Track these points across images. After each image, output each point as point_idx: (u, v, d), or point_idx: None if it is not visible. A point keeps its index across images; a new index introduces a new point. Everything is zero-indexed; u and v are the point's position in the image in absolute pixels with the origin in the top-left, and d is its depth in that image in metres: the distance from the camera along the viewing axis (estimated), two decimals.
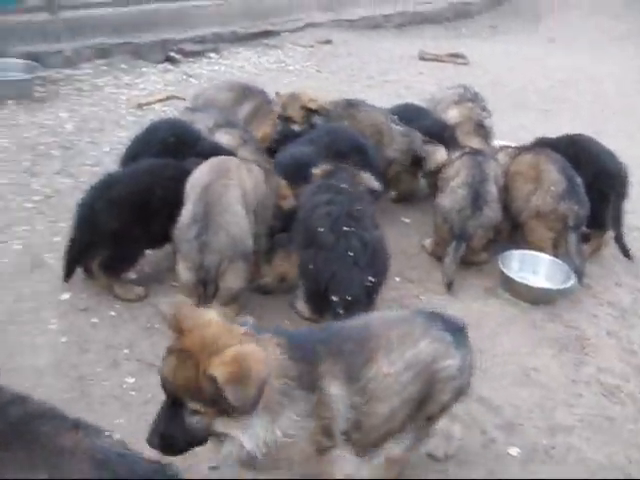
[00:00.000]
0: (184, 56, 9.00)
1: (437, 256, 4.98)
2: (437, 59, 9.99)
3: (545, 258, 4.91)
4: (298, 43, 10.10)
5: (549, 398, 3.86)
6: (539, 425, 3.66)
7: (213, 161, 4.27)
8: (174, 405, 2.35)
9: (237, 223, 3.96)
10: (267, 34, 9.90)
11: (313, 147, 4.84)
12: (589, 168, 5.02)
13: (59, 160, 6.03)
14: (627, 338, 4.46)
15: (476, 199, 4.78)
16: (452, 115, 5.96)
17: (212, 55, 9.26)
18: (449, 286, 4.70)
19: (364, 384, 2.58)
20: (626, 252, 5.20)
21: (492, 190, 4.88)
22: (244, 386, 2.21)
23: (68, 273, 4.32)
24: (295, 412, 2.41)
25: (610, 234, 5.28)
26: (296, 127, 5.28)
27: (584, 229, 4.96)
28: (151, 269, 4.68)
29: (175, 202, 4.17)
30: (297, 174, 4.52)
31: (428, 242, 5.15)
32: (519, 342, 4.31)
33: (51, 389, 3.54)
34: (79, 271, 4.39)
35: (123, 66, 8.49)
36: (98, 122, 6.89)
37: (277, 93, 5.66)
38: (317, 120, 5.28)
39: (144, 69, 8.53)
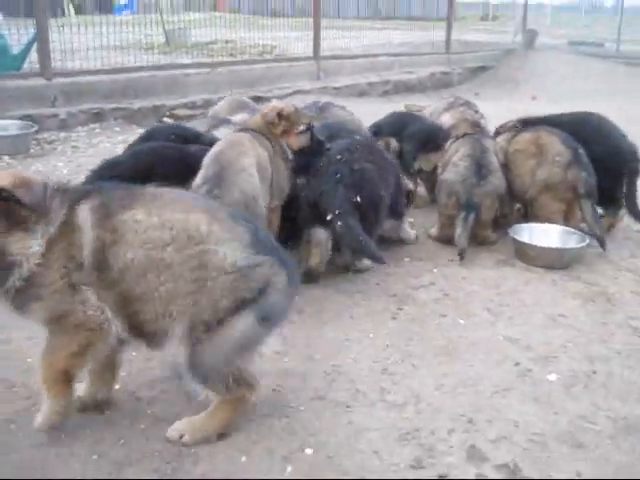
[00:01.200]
0: (176, 120, 9.13)
1: (446, 239, 4.82)
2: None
3: (555, 227, 4.76)
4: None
5: (581, 336, 3.62)
6: (575, 356, 3.41)
7: (227, 136, 4.27)
8: None
9: (251, 183, 3.84)
10: (257, 99, 10.09)
11: None
12: (601, 146, 4.96)
13: None
14: None
15: (479, 169, 4.69)
16: (445, 120, 5.95)
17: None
18: (462, 256, 4.52)
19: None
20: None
21: (494, 161, 4.82)
22: (30, 187, 2.50)
23: None
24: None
25: (623, 212, 5.16)
26: None
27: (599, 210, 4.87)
28: None
29: (177, 182, 4.12)
30: None
31: (434, 230, 5.01)
32: (541, 296, 4.10)
33: None
34: None
35: (117, 129, 8.60)
36: (94, 165, 6.85)
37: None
38: None
39: (138, 130, 8.62)
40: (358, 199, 4.15)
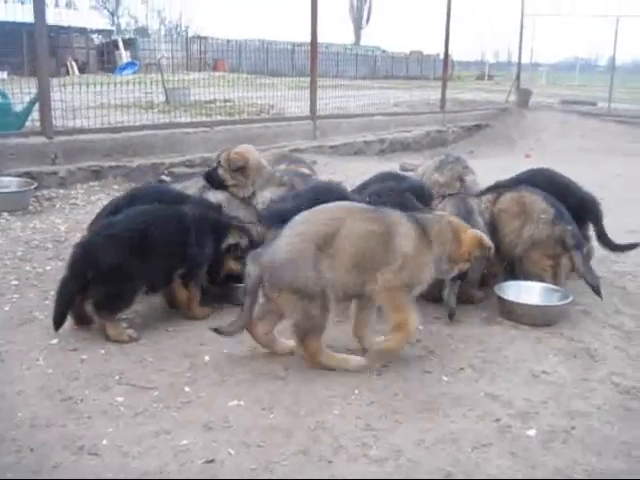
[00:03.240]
0: (174, 178, 9.30)
1: (431, 297, 4.89)
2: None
3: (540, 285, 4.87)
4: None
5: (562, 392, 3.68)
6: (555, 412, 3.47)
7: None
8: None
9: None
10: None
11: None
12: (568, 198, 5.19)
13: (51, 250, 6.07)
14: (637, 353, 4.31)
15: None
16: (435, 179, 6.10)
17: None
18: (451, 317, 4.61)
19: None
20: (614, 246, 5.39)
21: (480, 221, 4.94)
22: None
23: (59, 318, 4.17)
24: None
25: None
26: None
27: None
28: (144, 312, 4.66)
29: (173, 244, 4.36)
30: None
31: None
32: (525, 353, 4.17)
33: (36, 408, 3.40)
34: (67, 324, 4.31)
35: (115, 187, 8.77)
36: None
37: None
38: None
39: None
40: None
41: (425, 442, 3.17)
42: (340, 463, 2.99)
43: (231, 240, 4.69)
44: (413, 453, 3.08)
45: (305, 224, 3.83)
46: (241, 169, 5.30)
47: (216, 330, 3.90)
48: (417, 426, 3.31)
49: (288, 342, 4.00)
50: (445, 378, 3.82)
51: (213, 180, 5.36)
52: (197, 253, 4.46)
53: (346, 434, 3.22)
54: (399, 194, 5.06)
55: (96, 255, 4.13)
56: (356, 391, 3.63)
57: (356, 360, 3.89)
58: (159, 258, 4.30)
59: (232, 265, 4.73)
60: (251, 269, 3.77)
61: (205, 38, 28.83)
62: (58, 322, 4.20)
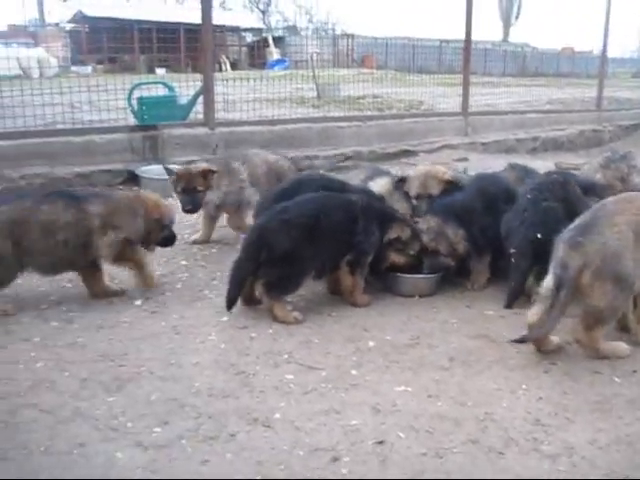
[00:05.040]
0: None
1: None
2: (576, 168, 9.93)
3: None
4: (436, 161, 10.43)
5: None
6: None
7: None
8: None
9: None
10: (406, 153, 10.34)
11: None
12: None
13: (215, 233, 6.32)
14: None
15: None
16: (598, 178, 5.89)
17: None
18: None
19: None
20: None
21: None
22: None
23: (233, 297, 4.38)
24: None
25: None
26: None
27: None
28: (307, 297, 4.79)
29: (342, 231, 4.47)
30: None
31: None
32: None
33: (211, 379, 3.59)
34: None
35: None
36: None
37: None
38: None
39: None
40: None
41: (599, 442, 3.07)
42: (511, 456, 2.95)
43: (394, 233, 4.72)
44: (587, 452, 2.99)
45: (623, 214, 3.82)
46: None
47: (521, 341, 3.90)
48: (590, 425, 3.20)
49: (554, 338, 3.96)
50: (617, 380, 3.66)
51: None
52: (364, 241, 4.54)
53: (516, 427, 3.17)
54: (563, 187, 4.88)
55: (271, 239, 4.30)
56: (524, 386, 3.56)
57: (627, 348, 3.94)
58: (329, 244, 4.43)
59: (394, 257, 4.76)
60: (573, 258, 3.73)
61: (352, 35, 29.20)
62: (232, 301, 4.40)
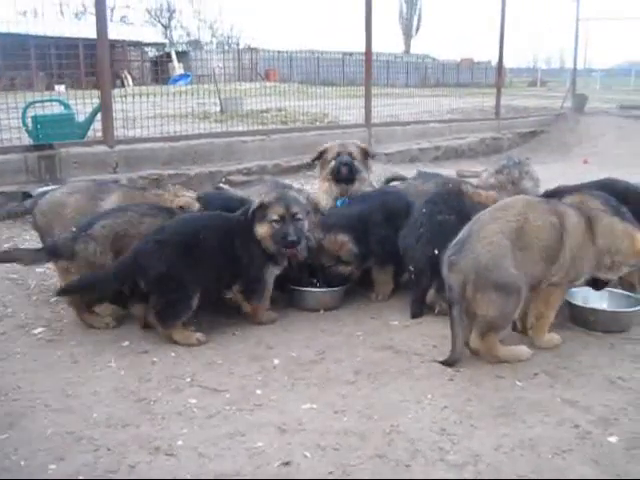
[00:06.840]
0: (231, 185, 9.37)
1: None
2: (476, 175, 10.19)
3: (609, 290, 4.68)
4: None
5: None
6: (636, 418, 3.35)
7: None
8: None
9: None
10: (310, 166, 10.35)
11: None
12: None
13: None
14: None
15: None
16: (490, 183, 6.06)
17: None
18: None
19: None
20: None
21: None
22: None
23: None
24: None
25: None
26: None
27: None
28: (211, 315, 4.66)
29: (223, 252, 4.34)
30: None
31: None
32: (599, 359, 4.05)
33: (110, 408, 3.44)
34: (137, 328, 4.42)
35: None
36: None
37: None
38: None
39: None
40: None
41: (504, 447, 3.10)
42: (418, 468, 2.95)
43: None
44: (492, 458, 3.01)
45: (497, 222, 3.91)
46: None
47: (443, 363, 3.93)
48: (494, 431, 3.24)
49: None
50: (519, 383, 3.73)
51: None
52: (250, 265, 4.43)
53: (422, 438, 3.17)
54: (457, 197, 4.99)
55: (144, 262, 4.20)
56: (429, 396, 3.57)
57: (527, 351, 4.04)
58: (212, 265, 4.31)
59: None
60: (452, 278, 3.85)
61: (256, 49, 29.15)
62: None
